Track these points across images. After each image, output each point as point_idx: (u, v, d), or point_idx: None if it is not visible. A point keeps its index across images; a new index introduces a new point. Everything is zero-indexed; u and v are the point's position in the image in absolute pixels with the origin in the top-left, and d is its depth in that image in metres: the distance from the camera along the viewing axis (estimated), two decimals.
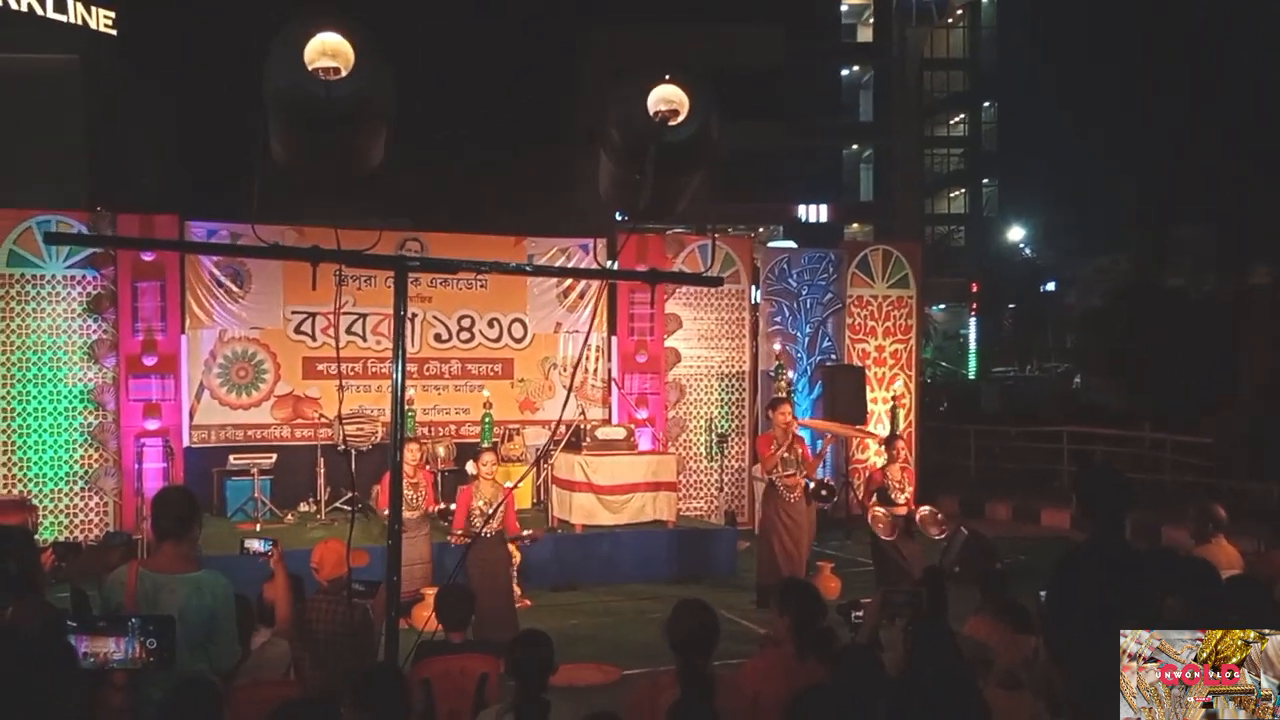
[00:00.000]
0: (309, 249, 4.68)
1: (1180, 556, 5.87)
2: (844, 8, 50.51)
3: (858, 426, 14.79)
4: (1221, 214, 30.25)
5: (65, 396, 12.91)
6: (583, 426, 13.18)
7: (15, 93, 21.24)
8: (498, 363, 14.83)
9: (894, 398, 13.44)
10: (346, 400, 13.89)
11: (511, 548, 9.75)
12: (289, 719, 3.62)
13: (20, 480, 12.67)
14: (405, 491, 9.20)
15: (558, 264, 14.96)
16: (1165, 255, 28.95)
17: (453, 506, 9.89)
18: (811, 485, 10.84)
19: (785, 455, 10.72)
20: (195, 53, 27.52)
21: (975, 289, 43.10)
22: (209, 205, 14.43)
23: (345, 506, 13.02)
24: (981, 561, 10.86)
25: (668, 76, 4.64)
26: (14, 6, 21.89)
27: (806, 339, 16.07)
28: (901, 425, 15.05)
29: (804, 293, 16.08)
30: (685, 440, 15.29)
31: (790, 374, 15.28)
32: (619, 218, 13.77)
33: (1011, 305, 44.47)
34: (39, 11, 22.24)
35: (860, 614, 5.74)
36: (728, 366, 15.70)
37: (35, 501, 12.14)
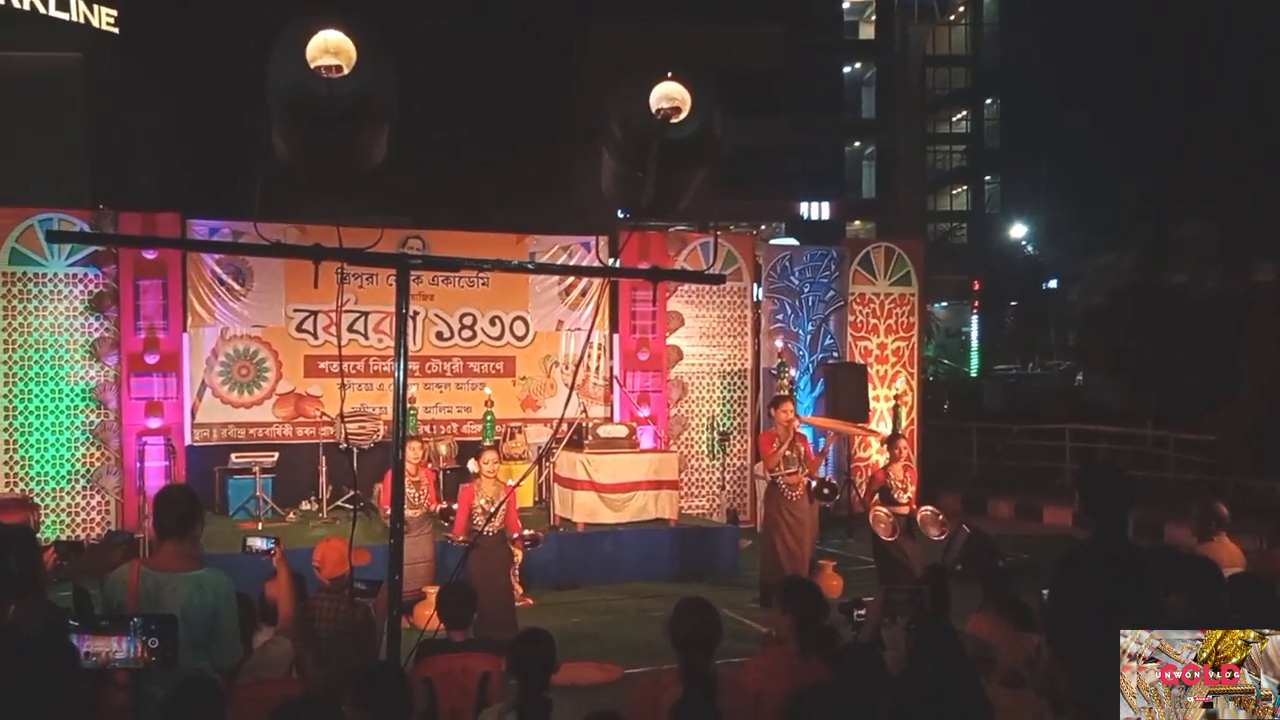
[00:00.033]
0: (311, 247, 4.68)
1: (1183, 554, 5.86)
2: (846, 5, 50.54)
3: (860, 424, 14.78)
4: (1224, 211, 30.20)
5: (67, 395, 12.91)
6: (584, 424, 13.17)
7: (17, 91, 21.23)
8: (499, 361, 14.83)
9: (896, 396, 13.42)
10: (348, 398, 13.88)
11: (514, 548, 9.75)
12: (291, 718, 3.62)
13: (22, 479, 12.68)
14: (407, 490, 9.20)
15: (559, 262, 14.97)
16: (1167, 253, 28.89)
17: (454, 506, 9.88)
18: (813, 484, 10.83)
19: (787, 453, 10.71)
20: (197, 51, 27.53)
21: (977, 286, 43.06)
22: (211, 203, 14.44)
23: (347, 505, 13.02)
24: (984, 559, 10.84)
25: (670, 74, 4.63)
26: (16, 4, 21.88)
27: (808, 336, 16.07)
28: (904, 423, 15.04)
29: (806, 290, 16.07)
30: (687, 438, 15.29)
31: (792, 372, 15.27)
32: (621, 215, 13.80)
33: (1013, 303, 44.40)
34: (41, 10, 22.23)
35: (862, 612, 5.74)
36: (730, 364, 15.69)
37: (37, 500, 12.16)
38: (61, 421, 12.88)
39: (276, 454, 13.49)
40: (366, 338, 14.17)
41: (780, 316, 15.91)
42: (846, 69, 50.50)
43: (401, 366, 4.74)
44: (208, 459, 13.49)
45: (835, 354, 16.11)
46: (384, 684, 4.36)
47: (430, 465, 11.75)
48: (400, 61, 4.44)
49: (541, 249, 14.96)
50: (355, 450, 13.04)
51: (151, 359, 13.03)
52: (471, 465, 10.52)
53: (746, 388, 15.76)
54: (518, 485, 10.30)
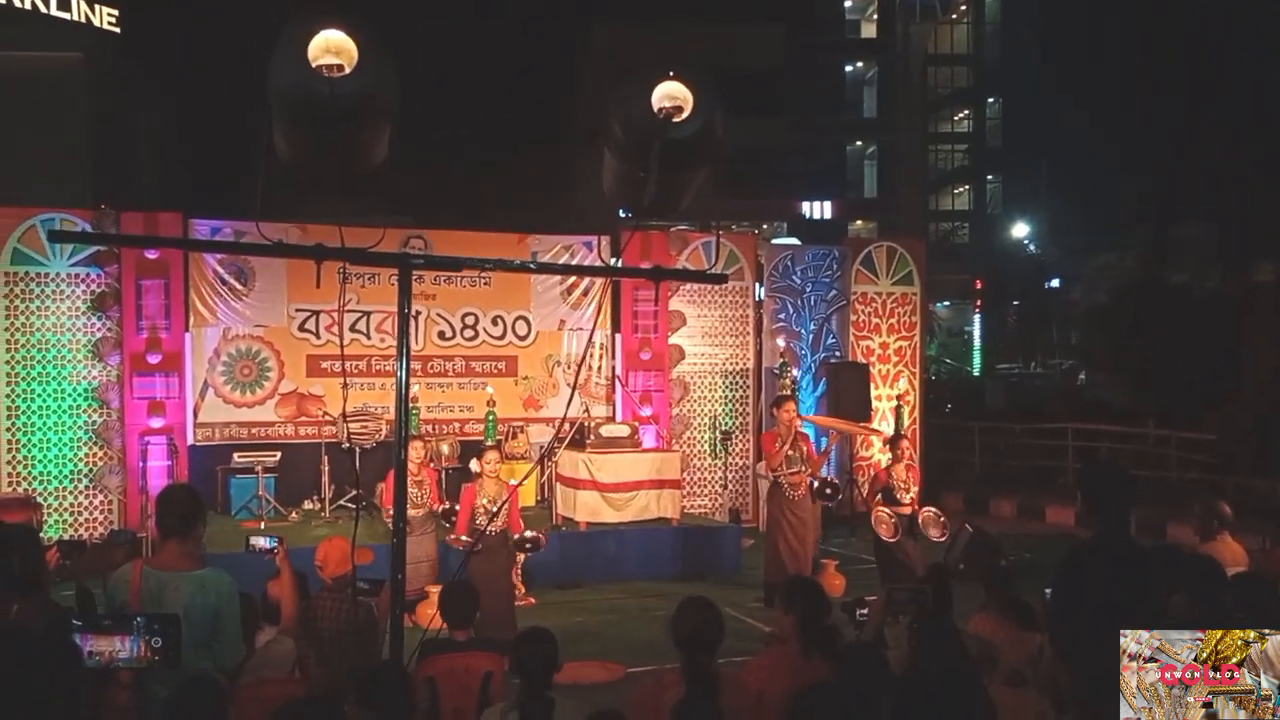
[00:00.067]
0: (313, 247, 4.68)
1: (1185, 554, 5.85)
2: (847, 3, 50.54)
3: (862, 423, 14.78)
4: (1224, 211, 30.19)
5: (69, 394, 12.92)
6: (587, 424, 13.17)
7: (18, 91, 21.23)
8: (501, 360, 14.83)
9: (898, 396, 13.43)
10: (350, 398, 13.88)
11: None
12: (293, 717, 3.62)
13: (25, 478, 12.69)
14: (410, 490, 9.20)
15: (561, 261, 14.97)
16: (1168, 252, 28.88)
17: (457, 506, 9.87)
18: (815, 484, 10.83)
19: (790, 453, 10.70)
20: (199, 51, 27.51)
21: (979, 286, 43.06)
22: (213, 203, 14.42)
23: (349, 504, 13.03)
24: (986, 558, 10.83)
25: (672, 73, 4.63)
26: (17, 4, 21.86)
27: (811, 336, 16.07)
28: (906, 423, 15.05)
29: (808, 289, 16.07)
30: (689, 437, 15.29)
31: (794, 372, 15.27)
32: (622, 215, 13.79)
33: (1016, 302, 44.40)
34: (42, 9, 22.22)
35: (865, 611, 5.73)
36: (732, 364, 15.70)
37: (40, 499, 12.16)
38: (64, 421, 12.89)
39: (279, 453, 13.49)
40: (369, 337, 14.17)
41: (782, 316, 15.91)
42: (848, 68, 50.50)
43: (404, 366, 4.74)
44: (210, 458, 13.50)
45: (837, 353, 16.11)
46: (386, 683, 4.36)
47: (433, 465, 11.75)
48: (401, 61, 4.44)
49: (543, 249, 14.96)
50: (357, 450, 13.04)
51: (154, 359, 13.05)
52: (473, 465, 10.52)
53: (749, 387, 15.77)
54: (519, 485, 10.29)
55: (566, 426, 13.13)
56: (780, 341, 15.65)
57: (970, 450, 20.67)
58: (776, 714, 4.43)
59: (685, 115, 4.64)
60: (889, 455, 10.97)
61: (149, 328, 13.05)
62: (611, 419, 14.38)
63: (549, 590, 11.34)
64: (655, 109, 4.62)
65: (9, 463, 12.66)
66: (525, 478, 12.39)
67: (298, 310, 13.98)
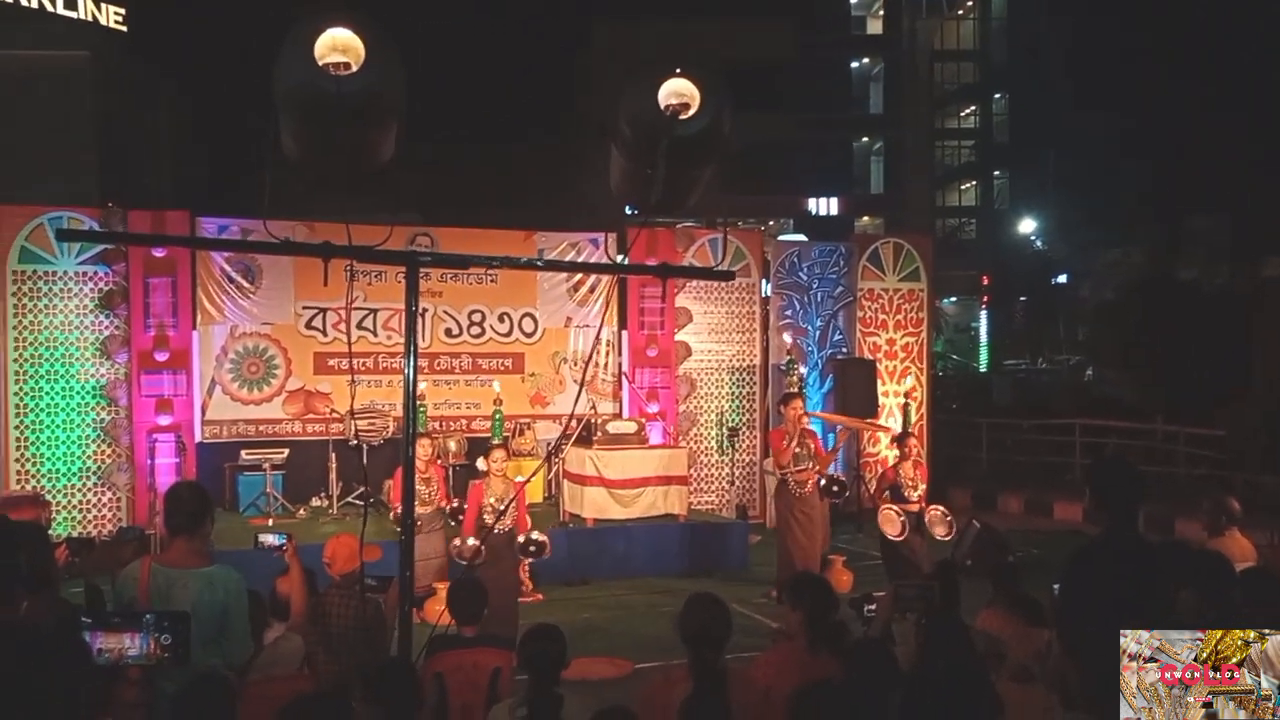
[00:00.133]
0: (320, 245, 4.68)
1: (1194, 550, 5.84)
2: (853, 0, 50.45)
3: (869, 420, 14.77)
4: (1235, 205, 30.11)
5: (78, 392, 12.95)
6: (593, 421, 13.18)
7: (26, 89, 21.28)
8: (508, 357, 14.84)
9: (905, 393, 13.38)
10: (358, 395, 13.90)
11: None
12: (301, 713, 3.62)
13: (33, 476, 12.72)
14: (418, 487, 9.22)
15: (568, 258, 14.98)
16: (1178, 247, 28.81)
17: (464, 504, 9.86)
18: (823, 481, 10.82)
19: (797, 450, 10.70)
20: (205, 49, 27.54)
21: (986, 281, 43.01)
22: (220, 201, 14.45)
23: (357, 501, 13.04)
24: (994, 555, 10.81)
25: (679, 70, 4.63)
26: (25, 3, 21.91)
27: (817, 332, 16.06)
28: (913, 419, 15.01)
29: (815, 286, 16.06)
30: (696, 434, 15.30)
31: (801, 368, 15.27)
32: (629, 212, 13.79)
33: (1023, 298, 44.33)
34: (49, 8, 22.26)
35: (872, 608, 5.73)
36: (738, 360, 15.70)
37: (48, 497, 12.17)
38: (72, 419, 12.92)
39: (286, 451, 13.48)
40: (375, 335, 14.19)
41: (789, 312, 15.91)
42: (854, 64, 50.40)
43: (411, 364, 4.74)
44: (218, 456, 13.53)
45: (844, 349, 16.10)
46: (395, 679, 4.37)
47: (440, 462, 11.76)
48: (407, 58, 4.45)
49: (550, 246, 14.96)
50: (365, 447, 13.06)
51: (161, 356, 13.07)
52: (480, 463, 10.53)
53: (755, 383, 15.77)
54: (526, 483, 10.29)
55: (574, 423, 13.14)
56: (787, 338, 15.64)
57: (978, 446, 20.65)
58: (784, 710, 4.44)
59: (692, 112, 4.64)
60: (896, 452, 10.94)
61: (156, 325, 13.07)
62: (618, 416, 14.39)
63: (556, 587, 11.35)
64: (662, 106, 4.62)
65: (17, 460, 12.69)
66: (531, 476, 12.40)
67: (305, 308, 14.00)
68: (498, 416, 12.44)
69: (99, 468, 12.99)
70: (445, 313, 14.53)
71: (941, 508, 10.44)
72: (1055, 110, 46.39)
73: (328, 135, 4.49)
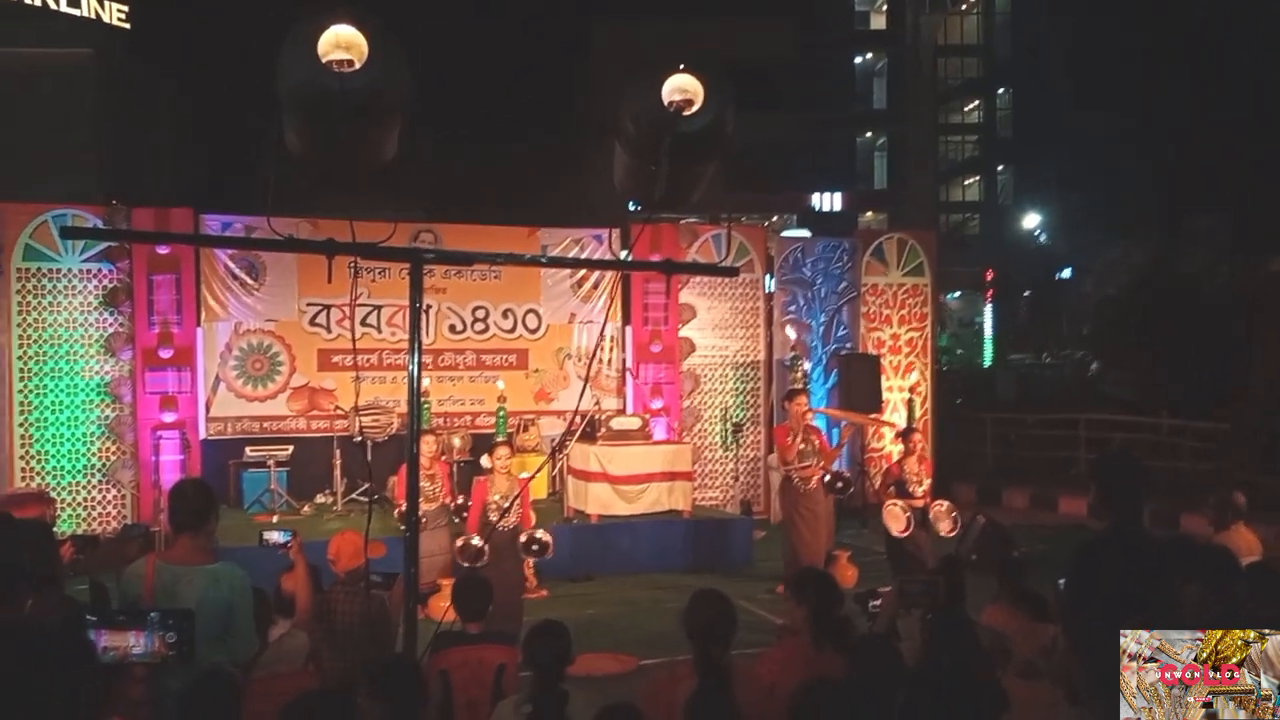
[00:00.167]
0: (324, 242, 4.67)
1: (1199, 544, 5.83)
2: None
3: (873, 415, 14.76)
4: (1235, 204, 30.05)
5: (82, 389, 12.97)
6: (598, 417, 13.17)
7: (29, 87, 21.30)
8: (512, 353, 14.85)
9: (910, 388, 13.39)
10: (362, 392, 13.91)
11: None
12: (306, 710, 3.63)
13: (38, 473, 12.74)
14: (423, 484, 9.21)
15: (571, 254, 14.96)
16: (1180, 244, 28.73)
17: (469, 501, 9.86)
18: (828, 478, 10.81)
19: (802, 446, 10.70)
20: (209, 46, 27.55)
21: (990, 276, 42.96)
22: (223, 198, 14.45)
23: (362, 498, 13.05)
24: (999, 550, 10.83)
25: (682, 66, 4.62)
26: (28, 1, 21.94)
27: (821, 328, 16.04)
28: (918, 414, 15.01)
29: (818, 281, 16.05)
30: (700, 430, 15.30)
31: (806, 364, 15.26)
32: (632, 208, 13.79)
33: (1027, 293, 44.27)
34: (53, 6, 22.28)
35: (877, 603, 5.73)
36: (742, 356, 15.69)
37: (53, 494, 12.18)
38: (77, 416, 12.94)
39: (291, 447, 13.50)
40: (379, 331, 14.20)
41: (793, 308, 15.90)
42: (858, 60, 50.35)
43: (416, 360, 4.74)
44: (222, 452, 13.53)
45: (848, 345, 16.08)
46: (400, 676, 4.37)
47: (444, 458, 11.76)
48: (410, 55, 4.44)
49: (553, 242, 14.95)
50: (369, 443, 13.06)
51: (166, 353, 13.09)
52: (484, 461, 10.53)
53: (759, 379, 15.75)
54: (531, 479, 10.29)
55: (578, 419, 13.14)
56: (791, 333, 15.63)
57: (982, 441, 20.63)
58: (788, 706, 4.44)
59: (696, 108, 4.63)
60: (901, 448, 10.93)
61: (161, 322, 13.09)
62: (622, 411, 14.38)
63: (561, 583, 11.35)
64: (666, 102, 4.62)
65: (22, 458, 12.71)
66: (535, 473, 12.40)
67: (309, 304, 14.01)
68: (501, 414, 12.45)
69: (104, 465, 13.01)
70: (449, 309, 14.53)
71: (946, 503, 10.42)
72: (1059, 105, 46.33)
73: (331, 132, 4.49)
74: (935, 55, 51.37)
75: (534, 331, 14.94)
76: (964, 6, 53.08)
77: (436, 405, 13.84)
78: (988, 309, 43.42)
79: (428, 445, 10.01)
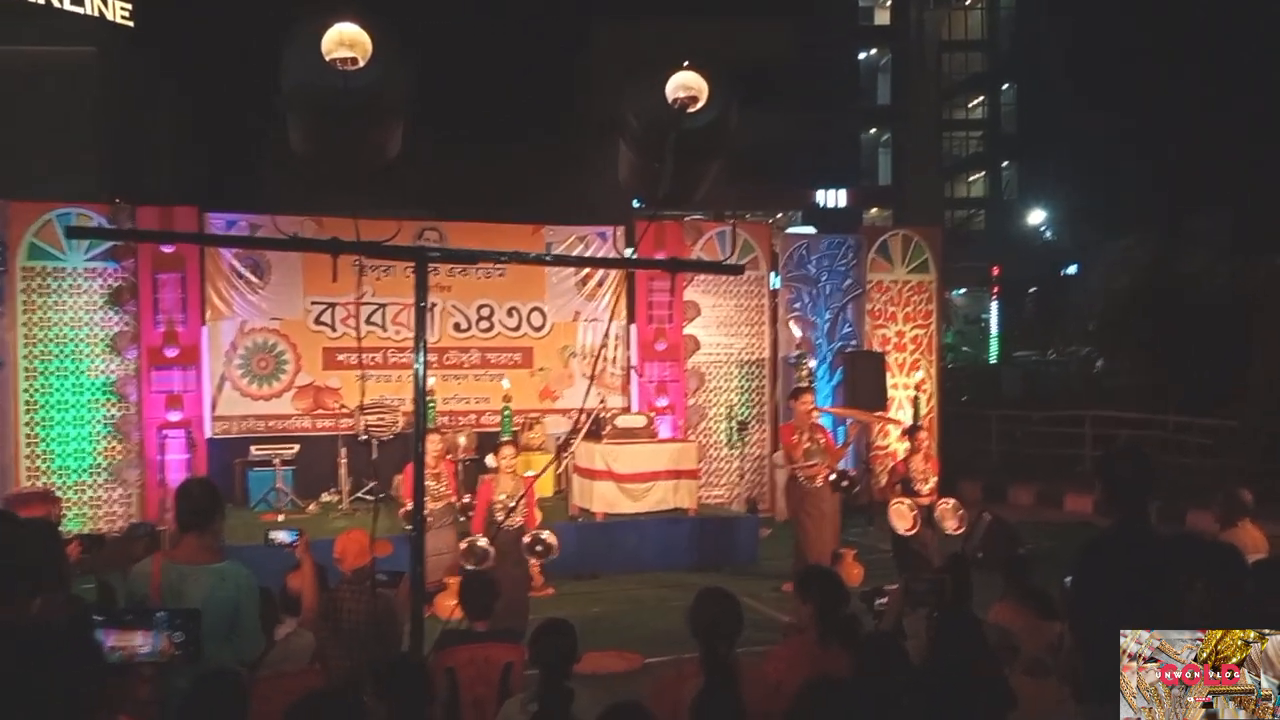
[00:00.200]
0: (329, 241, 4.67)
1: (1206, 541, 5.83)
2: None
3: (878, 413, 14.74)
4: (1239, 201, 29.98)
5: (87, 389, 12.98)
6: (603, 415, 13.16)
7: (32, 85, 21.30)
8: (517, 352, 14.85)
9: (915, 385, 13.37)
10: (367, 390, 13.91)
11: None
12: (312, 709, 3.62)
13: (44, 472, 12.75)
14: (428, 482, 9.20)
15: (575, 252, 14.96)
16: (1181, 242, 28.67)
17: (475, 501, 9.86)
18: (833, 477, 10.80)
19: (808, 445, 10.69)
20: (213, 43, 27.54)
21: (996, 273, 42.89)
22: (227, 196, 14.44)
23: (367, 497, 13.04)
24: (1005, 547, 10.80)
25: (686, 63, 4.62)
26: None
27: (826, 325, 16.03)
28: (924, 412, 15.00)
29: (823, 278, 16.03)
30: (705, 428, 15.29)
31: (811, 362, 15.25)
32: (636, 205, 13.78)
33: (1032, 289, 44.19)
34: (55, 3, 22.27)
35: (883, 601, 5.73)
36: (747, 353, 15.67)
37: (59, 494, 12.19)
38: (82, 415, 12.96)
39: (296, 446, 13.49)
40: (384, 329, 14.20)
41: (797, 305, 15.88)
42: (861, 55, 50.31)
43: (421, 359, 4.74)
44: (228, 451, 13.54)
45: (853, 342, 16.06)
46: (405, 675, 4.37)
47: (450, 457, 11.76)
48: (410, 55, 4.44)
49: (558, 239, 14.95)
50: (375, 442, 13.07)
51: (171, 352, 13.09)
52: (490, 460, 10.54)
53: (764, 377, 15.74)
54: (536, 479, 10.28)
55: (583, 418, 13.12)
56: (796, 331, 15.62)
57: (988, 439, 20.61)
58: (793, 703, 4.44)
59: (700, 105, 4.63)
60: (906, 445, 10.92)
61: (166, 321, 13.10)
62: (627, 410, 14.37)
63: (566, 581, 11.34)
64: (670, 99, 4.61)
65: (28, 457, 12.73)
66: (542, 472, 12.39)
67: (314, 303, 14.01)
68: (506, 413, 12.45)
69: (109, 464, 13.03)
70: (454, 307, 14.53)
71: (952, 501, 10.41)
72: (1063, 102, 46.24)
73: (335, 130, 4.49)
74: (939, 50, 51.35)
75: (539, 330, 14.94)
76: (967, 2, 53.00)
77: (441, 404, 13.85)
78: (993, 305, 43.37)
79: (433, 444, 10.02)
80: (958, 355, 38.88)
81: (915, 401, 13.26)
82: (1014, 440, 20.88)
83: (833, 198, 46.77)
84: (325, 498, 13.39)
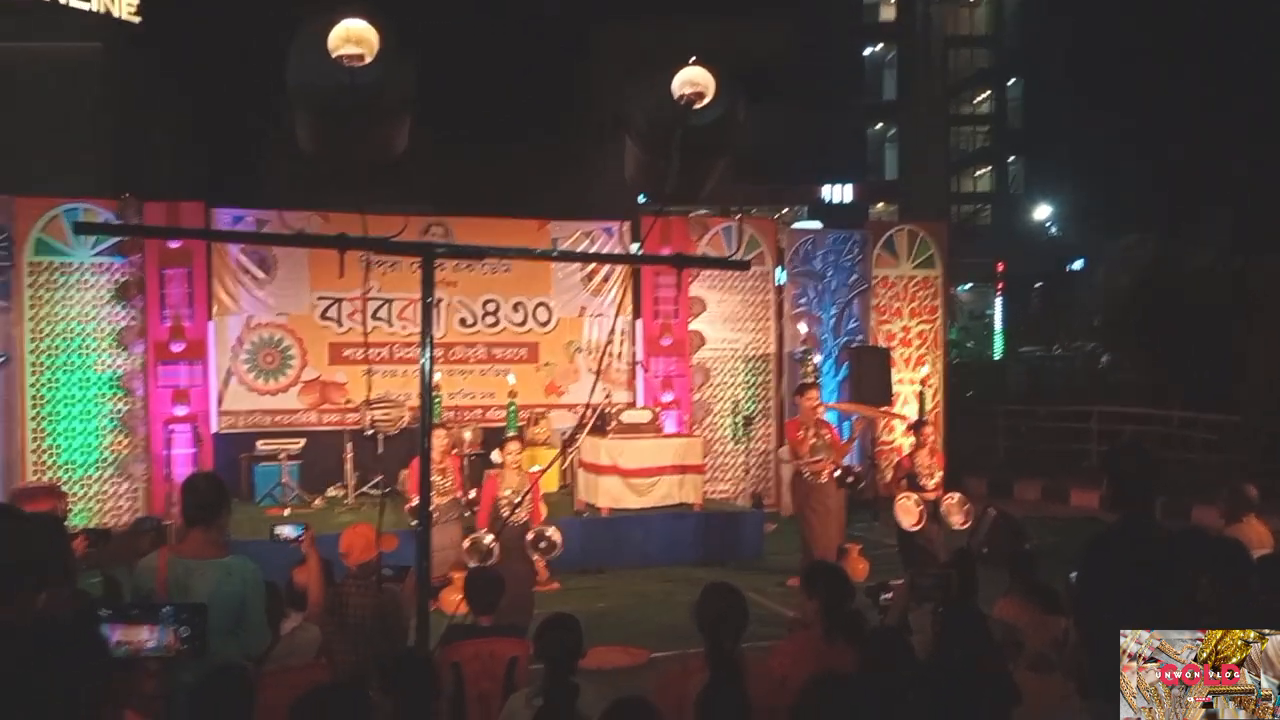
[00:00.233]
0: (336, 236, 4.68)
1: (1211, 536, 5.82)
2: None
3: (884, 408, 14.73)
4: (1239, 201, 29.95)
5: (94, 383, 13.01)
6: (608, 410, 13.16)
7: (39, 81, 21.33)
8: (523, 347, 14.86)
9: (921, 380, 13.33)
10: (373, 385, 13.93)
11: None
12: (318, 703, 3.63)
13: (50, 467, 12.78)
14: (434, 477, 9.22)
15: (581, 247, 14.97)
16: (1184, 239, 28.59)
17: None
18: (839, 472, 10.79)
19: (813, 441, 10.69)
20: (219, 40, 27.57)
21: (1002, 268, 42.85)
22: (234, 191, 14.46)
23: (373, 491, 13.07)
24: (1010, 542, 10.78)
25: (693, 59, 4.62)
26: None
27: (832, 320, 16.02)
28: (929, 407, 14.97)
29: (829, 274, 16.01)
30: (711, 423, 15.29)
31: (816, 358, 15.24)
32: (642, 200, 13.77)
33: (1038, 285, 44.14)
34: (62, 1, 22.30)
35: (889, 596, 5.72)
36: (752, 349, 15.66)
37: (65, 488, 12.21)
38: (89, 410, 12.98)
39: (302, 441, 13.53)
40: (390, 325, 14.21)
41: (803, 300, 15.87)
42: (867, 51, 50.26)
43: (427, 354, 4.74)
44: (234, 446, 13.56)
45: (859, 337, 16.05)
46: (411, 669, 4.38)
47: (455, 452, 11.77)
48: (420, 49, 4.44)
49: (563, 235, 14.95)
50: (381, 437, 13.08)
51: (177, 347, 13.11)
52: (495, 455, 10.54)
53: (769, 372, 15.73)
54: (542, 474, 10.28)
55: (589, 413, 13.13)
56: (801, 326, 15.61)
57: (994, 434, 20.59)
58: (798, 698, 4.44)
59: (707, 101, 4.63)
60: (912, 440, 10.91)
61: (172, 316, 13.12)
62: (633, 405, 14.37)
63: (572, 576, 11.34)
64: (676, 95, 4.61)
65: (34, 452, 12.76)
66: (547, 468, 12.40)
67: (320, 298, 14.02)
68: (512, 408, 12.45)
69: (116, 458, 13.05)
70: (460, 302, 14.54)
71: (958, 496, 10.40)
72: (1067, 99, 46.18)
73: (341, 127, 4.49)
74: (945, 46, 51.27)
75: (544, 325, 14.95)
76: None
77: (447, 399, 13.86)
78: (999, 301, 43.34)
79: (439, 439, 10.02)
80: (963, 351, 38.84)
81: (920, 397, 13.18)
82: (1019, 435, 20.87)
83: (839, 193, 46.73)
84: (331, 492, 13.42)
